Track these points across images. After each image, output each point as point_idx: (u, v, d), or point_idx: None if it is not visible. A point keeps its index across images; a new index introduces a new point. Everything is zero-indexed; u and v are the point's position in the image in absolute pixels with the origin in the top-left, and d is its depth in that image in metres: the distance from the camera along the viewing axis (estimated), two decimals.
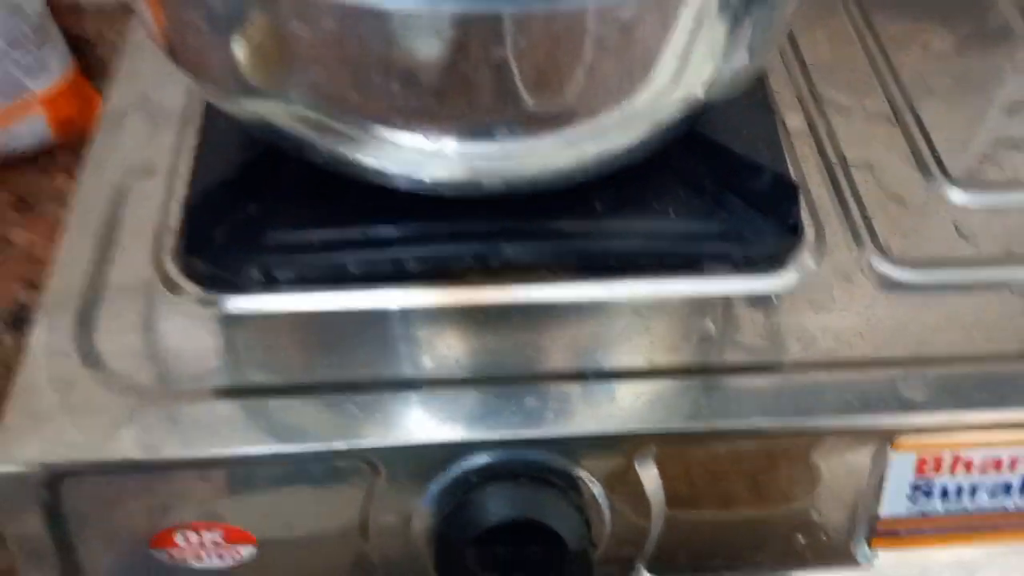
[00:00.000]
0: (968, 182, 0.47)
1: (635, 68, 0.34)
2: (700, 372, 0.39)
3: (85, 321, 0.40)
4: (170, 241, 0.43)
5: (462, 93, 0.33)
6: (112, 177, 0.46)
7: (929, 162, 0.47)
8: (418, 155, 0.35)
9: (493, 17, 0.30)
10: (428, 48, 0.31)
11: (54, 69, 0.62)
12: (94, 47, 0.69)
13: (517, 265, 0.42)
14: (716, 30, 0.34)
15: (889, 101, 0.50)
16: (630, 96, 0.35)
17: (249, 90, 0.36)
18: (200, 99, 0.49)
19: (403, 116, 0.34)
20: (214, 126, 0.46)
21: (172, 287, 0.41)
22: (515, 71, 0.32)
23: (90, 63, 0.68)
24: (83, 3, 0.66)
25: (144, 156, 0.47)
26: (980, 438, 0.39)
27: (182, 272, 0.41)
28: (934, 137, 0.48)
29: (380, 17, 0.30)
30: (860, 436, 0.38)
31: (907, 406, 0.38)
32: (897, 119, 0.49)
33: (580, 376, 0.39)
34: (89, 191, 0.45)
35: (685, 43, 0.34)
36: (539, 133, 0.35)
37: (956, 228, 0.45)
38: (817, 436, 0.38)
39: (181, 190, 0.45)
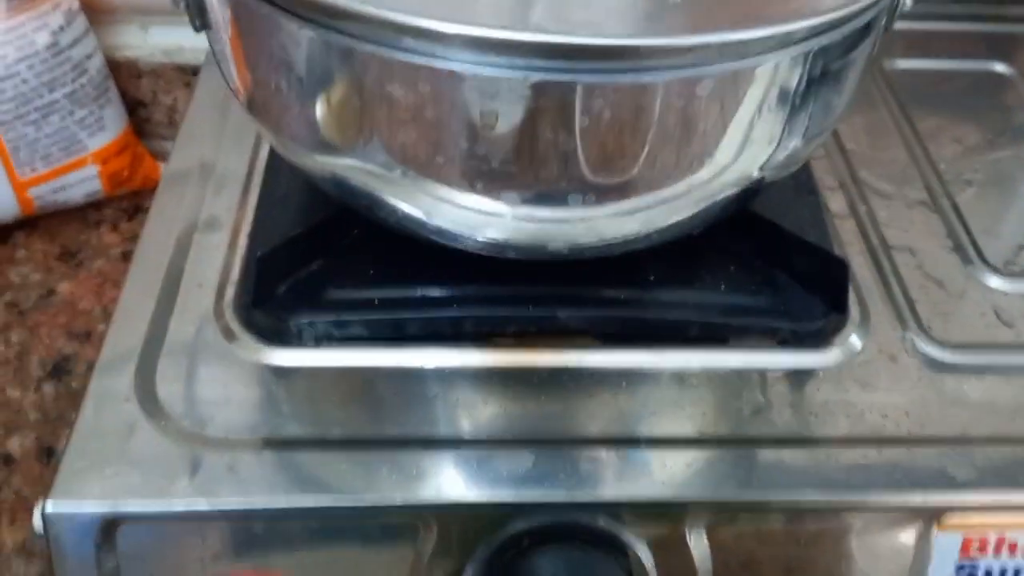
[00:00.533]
0: (1006, 269, 0.48)
1: (698, 146, 0.35)
2: (749, 443, 0.39)
3: (145, 368, 0.41)
4: (231, 294, 0.44)
5: (533, 159, 0.34)
6: (175, 230, 0.47)
7: (968, 248, 0.49)
8: (486, 216, 0.36)
9: (568, 86, 0.32)
10: (503, 113, 0.32)
11: (110, 128, 0.64)
12: (148, 107, 0.71)
13: (570, 330, 0.43)
14: (777, 115, 0.36)
15: (927, 189, 0.52)
16: (691, 172, 0.36)
17: (325, 147, 0.37)
18: (262, 160, 0.50)
19: (475, 178, 0.35)
20: (276, 185, 0.47)
21: (232, 339, 0.42)
22: (586, 141, 0.33)
23: (143, 122, 0.71)
24: (141, 66, 0.68)
25: (207, 211, 0.48)
26: None
27: (243, 325, 0.42)
28: (971, 225, 0.50)
29: (458, 80, 0.31)
30: (906, 514, 0.39)
31: (954, 485, 0.38)
32: (936, 206, 0.51)
33: (631, 442, 0.39)
34: (152, 243, 0.46)
35: (747, 125, 0.35)
36: (602, 202, 0.36)
37: (996, 313, 0.46)
38: (864, 512, 0.39)
39: (242, 245, 0.46)
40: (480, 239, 0.38)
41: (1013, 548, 0.40)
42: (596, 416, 0.40)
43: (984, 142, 0.56)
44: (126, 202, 0.68)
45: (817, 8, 0.32)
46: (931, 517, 0.39)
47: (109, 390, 0.40)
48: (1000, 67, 0.62)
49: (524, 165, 0.34)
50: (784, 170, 0.41)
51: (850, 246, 0.48)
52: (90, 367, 0.56)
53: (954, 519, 0.39)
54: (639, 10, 0.34)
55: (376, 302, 0.42)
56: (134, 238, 0.65)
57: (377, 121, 0.35)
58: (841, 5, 0.32)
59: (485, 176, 0.35)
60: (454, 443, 0.39)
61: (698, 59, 0.31)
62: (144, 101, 0.70)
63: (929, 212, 0.51)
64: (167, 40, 0.68)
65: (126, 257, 0.64)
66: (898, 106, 0.57)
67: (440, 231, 0.38)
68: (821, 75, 0.35)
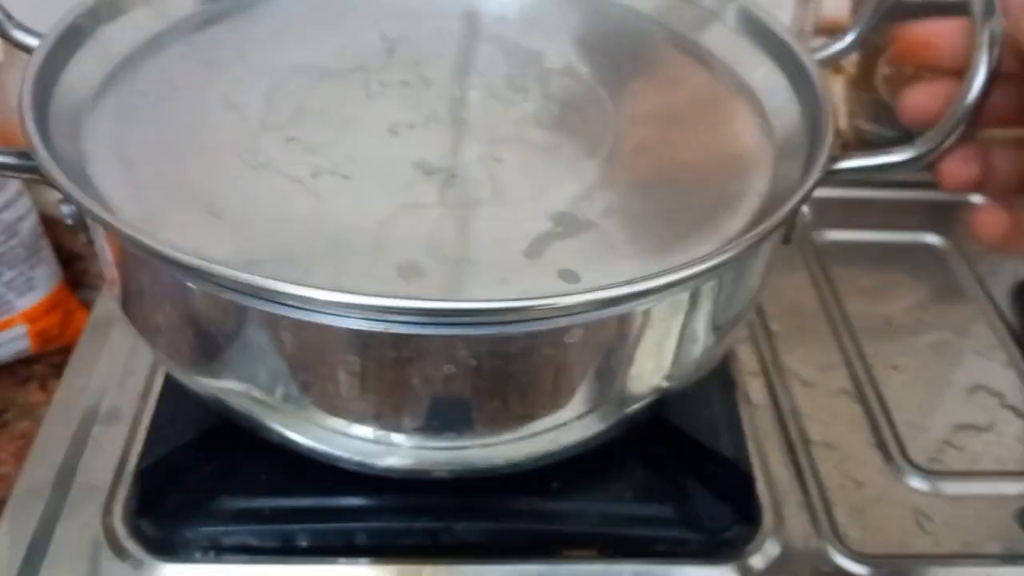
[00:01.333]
0: (928, 468, 0.47)
1: (585, 376, 0.34)
2: None
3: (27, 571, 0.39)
4: (122, 497, 0.42)
5: (419, 397, 0.33)
6: (75, 423, 0.46)
7: (890, 444, 0.48)
8: (368, 445, 0.35)
9: (449, 339, 0.31)
10: (380, 361, 0.32)
11: (41, 287, 0.63)
12: (85, 259, 0.70)
13: (467, 543, 0.41)
14: (668, 332, 0.35)
15: (852, 377, 0.51)
16: (585, 398, 0.35)
17: (202, 370, 0.36)
18: None
19: (354, 414, 0.34)
20: (176, 384, 0.46)
21: (118, 549, 0.40)
22: (473, 380, 0.32)
23: (80, 274, 0.70)
24: None
25: (109, 401, 0.47)
26: None
27: (130, 534, 0.41)
28: (895, 417, 0.49)
29: (330, 332, 0.31)
30: None
31: None
32: (860, 396, 0.50)
33: None
34: (51, 435, 0.45)
35: (630, 350, 0.34)
36: (494, 433, 0.35)
37: (916, 519, 0.44)
38: None
39: (139, 441, 0.45)
40: (364, 463, 0.37)
41: None
42: None
43: (914, 322, 0.55)
44: (56, 357, 0.67)
45: (685, 259, 0.31)
46: None
47: None
48: (932, 238, 0.61)
49: (403, 406, 0.33)
50: (696, 374, 0.40)
51: (768, 441, 0.47)
52: None
53: None
54: (520, 246, 0.34)
55: (266, 513, 0.41)
56: None
57: (250, 360, 0.34)
58: (714, 254, 0.31)
59: (365, 411, 0.34)
60: None
61: (563, 311, 0.30)
62: (81, 254, 0.70)
63: (852, 403, 0.50)
64: None
65: None
66: (826, 282, 0.57)
67: (322, 454, 0.37)
68: (712, 295, 0.35)
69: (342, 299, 0.29)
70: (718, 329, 0.37)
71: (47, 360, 0.67)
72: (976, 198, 0.65)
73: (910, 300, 0.56)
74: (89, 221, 0.36)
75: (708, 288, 0.34)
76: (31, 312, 0.63)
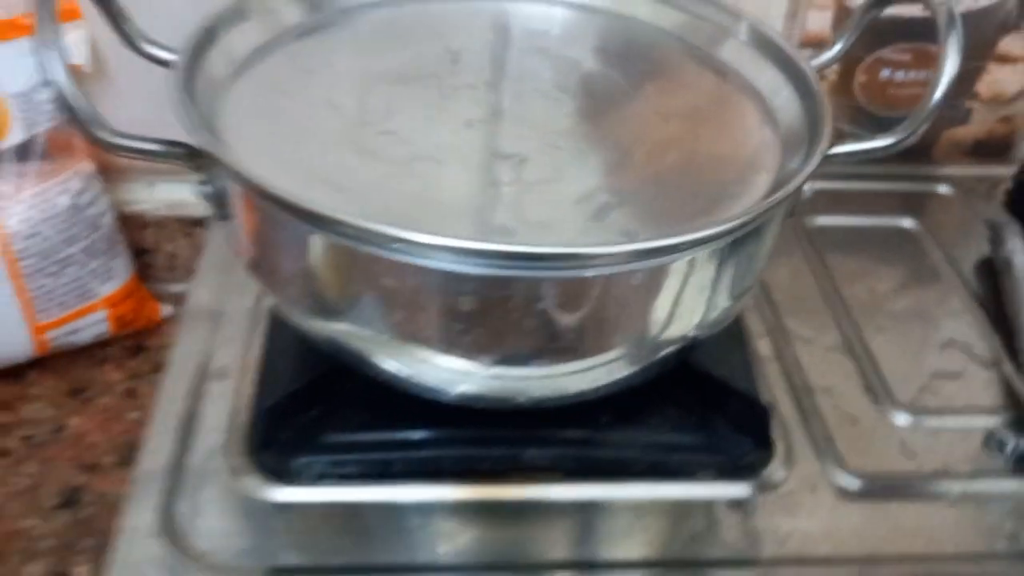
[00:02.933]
0: (910, 407, 0.55)
1: (638, 319, 0.43)
2: (688, 565, 0.46)
3: (168, 506, 0.47)
4: (238, 437, 0.50)
5: (503, 332, 0.41)
6: (189, 378, 0.53)
7: (878, 389, 0.56)
8: (463, 375, 0.43)
9: (533, 281, 0.39)
10: (480, 300, 0.40)
11: (118, 276, 0.71)
12: (151, 254, 0.78)
13: (535, 467, 0.49)
14: (703, 284, 0.43)
15: (844, 336, 0.60)
16: (633, 339, 0.43)
17: (320, 314, 0.44)
18: (263, 310, 0.57)
19: (450, 345, 0.42)
20: (277, 339, 0.54)
21: (240, 478, 0.48)
22: (548, 318, 0.41)
23: (146, 268, 0.77)
24: (147, 218, 0.75)
25: (216, 362, 0.55)
26: None
27: (250, 465, 0.49)
28: (881, 368, 0.58)
29: (434, 275, 0.39)
30: None
31: None
32: (851, 351, 0.59)
33: (589, 566, 0.45)
34: (170, 389, 0.53)
35: (675, 297, 0.43)
36: (561, 363, 0.43)
37: (901, 447, 0.53)
38: None
39: (246, 393, 0.52)
40: (455, 393, 0.45)
41: None
42: (558, 543, 0.47)
43: (893, 291, 0.64)
44: (129, 341, 0.74)
45: (725, 216, 0.40)
46: None
47: (137, 526, 0.46)
48: (907, 222, 0.71)
49: (494, 337, 0.41)
50: (716, 327, 0.48)
51: (776, 387, 0.56)
52: (100, 497, 0.62)
53: None
54: (584, 214, 0.42)
55: (365, 445, 0.49)
56: (136, 375, 0.71)
57: (366, 302, 0.42)
58: (745, 212, 0.40)
59: (460, 344, 0.42)
60: (434, 569, 0.45)
61: (630, 258, 0.39)
62: (148, 248, 0.77)
63: (845, 356, 0.58)
64: (171, 195, 0.76)
65: (130, 393, 0.70)
66: (818, 259, 0.66)
67: (421, 386, 0.45)
68: (736, 255, 0.43)
69: (455, 244, 0.37)
70: (735, 290, 0.45)
71: (121, 343, 0.74)
72: (943, 188, 0.75)
73: (889, 273, 0.66)
74: (234, 196, 0.44)
75: (730, 250, 0.42)
76: (111, 298, 0.70)
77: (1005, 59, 0.72)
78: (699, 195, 0.45)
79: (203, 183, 0.45)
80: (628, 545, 0.47)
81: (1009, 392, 0.57)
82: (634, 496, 0.49)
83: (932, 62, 0.72)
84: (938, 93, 0.45)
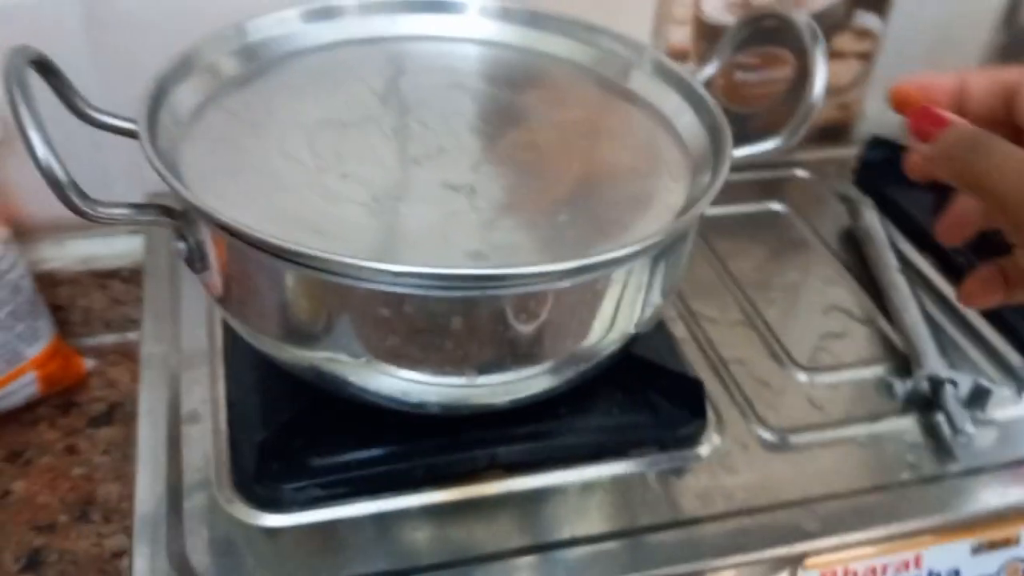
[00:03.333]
0: (810, 366, 0.64)
1: (587, 325, 0.48)
2: (651, 530, 0.52)
3: (174, 547, 0.49)
4: (225, 473, 0.53)
5: (475, 347, 0.46)
6: (162, 426, 0.56)
7: (781, 354, 0.65)
8: (448, 388, 0.48)
9: (496, 299, 0.44)
10: (456, 320, 0.44)
11: (44, 336, 0.71)
12: (66, 310, 0.78)
13: (508, 464, 0.55)
14: (640, 288, 0.49)
15: (743, 311, 0.68)
16: (586, 341, 0.49)
17: (305, 344, 0.47)
18: (219, 349, 0.60)
19: (442, 362, 0.47)
20: (241, 376, 0.57)
21: (235, 509, 0.51)
22: (515, 329, 0.46)
23: (63, 324, 0.77)
24: (58, 276, 0.75)
25: (186, 406, 0.57)
26: (860, 553, 0.54)
27: (242, 497, 0.52)
28: (779, 335, 0.66)
29: (418, 300, 0.43)
30: (779, 562, 0.52)
31: (808, 536, 0.53)
32: (751, 324, 0.67)
33: (552, 546, 0.51)
34: (148, 439, 0.55)
35: (618, 305, 0.48)
36: (532, 366, 0.49)
37: (809, 402, 0.62)
38: (749, 566, 0.52)
39: (223, 429, 0.55)
40: (442, 403, 0.50)
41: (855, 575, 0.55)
42: (535, 528, 0.52)
43: (775, 266, 0.73)
44: (57, 399, 0.74)
45: (652, 229, 0.47)
46: (797, 562, 0.53)
47: (152, 568, 0.48)
48: (776, 205, 0.80)
49: (467, 353, 0.46)
50: (652, 323, 0.54)
51: (696, 363, 0.63)
52: (63, 555, 0.63)
53: (811, 561, 0.53)
54: (542, 233, 0.48)
55: (352, 464, 0.53)
56: (73, 432, 0.72)
57: (362, 332, 0.45)
58: (679, 222, 0.46)
59: (447, 360, 0.46)
60: (417, 570, 0.50)
61: (583, 271, 0.45)
62: (62, 305, 0.77)
63: (748, 329, 0.67)
64: (82, 251, 0.76)
65: (70, 450, 0.71)
66: (708, 247, 0.74)
67: (405, 403, 0.49)
68: (667, 258, 0.50)
69: (452, 272, 0.42)
70: (665, 289, 0.51)
71: (49, 403, 0.74)
72: (800, 172, 0.85)
73: (769, 250, 0.75)
74: (216, 248, 0.47)
75: (662, 255, 0.49)
76: (39, 359, 0.71)
77: (838, 55, 0.83)
78: (626, 206, 0.52)
79: (179, 239, 0.48)
80: (584, 522, 0.53)
81: (887, 344, 0.67)
82: (592, 477, 0.55)
83: (777, 63, 0.82)
84: (814, 97, 0.53)
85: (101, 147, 0.71)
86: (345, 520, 0.52)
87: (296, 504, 0.52)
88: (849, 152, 0.86)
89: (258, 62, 0.59)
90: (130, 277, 0.77)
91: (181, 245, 0.48)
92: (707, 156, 0.54)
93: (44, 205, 0.74)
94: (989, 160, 0.37)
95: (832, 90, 0.85)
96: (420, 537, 0.51)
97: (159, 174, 0.45)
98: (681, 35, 0.78)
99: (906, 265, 0.73)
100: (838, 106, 0.86)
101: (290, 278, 0.44)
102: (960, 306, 0.69)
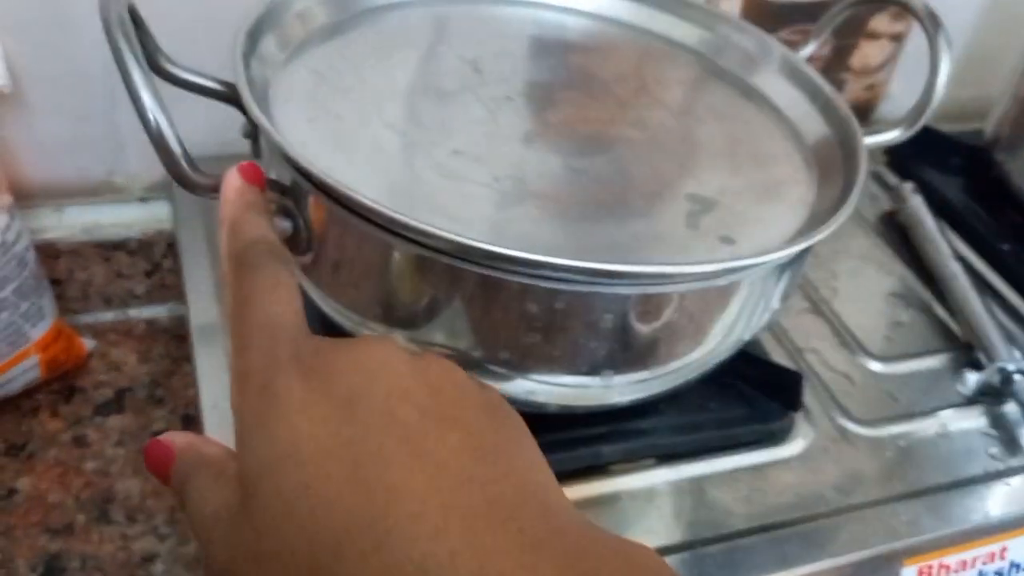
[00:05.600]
0: (881, 356, 0.63)
1: (715, 325, 0.45)
2: (769, 529, 0.51)
3: None
4: None
5: (617, 346, 0.43)
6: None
7: (852, 344, 0.64)
8: (578, 388, 0.45)
9: (649, 297, 0.41)
10: (608, 318, 0.41)
11: (48, 316, 0.64)
12: (62, 284, 0.70)
13: (613, 461, 0.52)
14: (768, 299, 0.47)
15: (809, 299, 0.66)
16: (714, 341, 0.46)
17: (398, 326, 0.43)
18: None
19: (573, 362, 0.43)
20: None
21: None
22: (655, 330, 0.43)
23: (57, 299, 0.70)
24: (59, 246, 0.68)
25: None
26: (952, 548, 0.54)
27: None
28: (848, 323, 0.65)
29: (569, 296, 0.40)
30: (880, 560, 0.51)
31: (907, 533, 0.52)
32: (819, 312, 0.66)
33: (695, 543, 0.49)
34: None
35: (742, 305, 0.46)
36: (654, 367, 0.46)
37: (885, 392, 0.61)
38: (859, 563, 0.51)
39: None
40: (560, 403, 0.46)
41: (948, 568, 0.54)
42: (655, 527, 0.50)
43: (831, 254, 0.72)
44: (57, 384, 0.67)
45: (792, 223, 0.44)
46: (895, 559, 0.52)
47: None
48: None
49: (601, 354, 0.43)
50: (769, 328, 0.52)
51: (775, 352, 0.61)
52: (86, 561, 0.57)
53: (910, 559, 0.52)
54: (679, 223, 0.45)
55: None
56: (79, 420, 0.65)
57: (451, 313, 0.42)
58: (819, 230, 0.44)
59: (580, 360, 0.43)
60: None
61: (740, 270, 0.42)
62: (60, 279, 0.70)
63: (816, 317, 0.65)
64: (84, 218, 0.69)
65: (79, 442, 0.64)
66: None
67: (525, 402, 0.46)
68: (792, 266, 0.47)
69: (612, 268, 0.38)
70: (786, 295, 0.49)
71: (47, 388, 0.67)
72: None
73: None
74: (333, 229, 0.42)
75: (791, 263, 0.46)
76: (42, 341, 0.64)
77: (872, 35, 0.82)
78: (754, 196, 0.49)
79: (284, 217, 0.43)
80: (712, 517, 0.50)
81: (947, 332, 0.66)
82: (699, 472, 0.53)
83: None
84: (939, 89, 0.51)
85: (117, 105, 0.63)
86: None
87: None
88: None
89: (339, 16, 0.53)
90: (137, 249, 0.70)
91: (286, 223, 0.43)
92: (828, 150, 0.52)
93: (44, 167, 0.67)
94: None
95: (863, 71, 0.84)
96: None
97: (274, 143, 0.40)
98: (729, 8, 0.75)
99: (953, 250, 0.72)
100: (866, 87, 0.85)
101: (420, 263, 0.40)
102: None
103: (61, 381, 0.67)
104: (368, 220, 0.39)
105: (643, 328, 0.42)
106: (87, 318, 0.72)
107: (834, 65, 0.82)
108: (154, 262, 0.71)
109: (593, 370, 0.44)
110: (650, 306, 0.41)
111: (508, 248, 0.37)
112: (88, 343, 0.69)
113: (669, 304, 0.42)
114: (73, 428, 0.65)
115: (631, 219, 0.45)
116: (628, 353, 0.43)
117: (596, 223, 0.44)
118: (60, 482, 0.62)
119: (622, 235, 0.44)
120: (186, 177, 0.38)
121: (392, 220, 0.38)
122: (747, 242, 0.45)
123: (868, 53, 0.82)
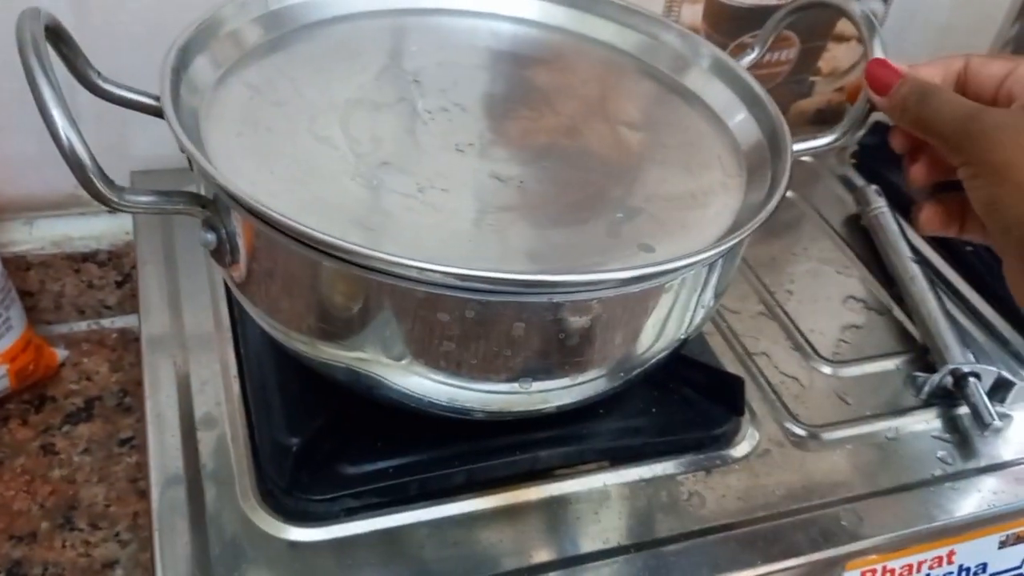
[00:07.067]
0: (834, 359, 0.63)
1: (643, 329, 0.45)
2: (703, 534, 0.51)
3: (200, 563, 0.45)
4: (248, 484, 0.49)
5: (533, 353, 0.43)
6: (175, 429, 0.51)
7: (805, 347, 0.64)
8: (499, 394, 0.45)
9: (560, 305, 0.41)
10: (519, 326, 0.41)
11: (16, 327, 0.65)
12: (35, 296, 0.72)
13: (550, 467, 0.52)
14: (695, 291, 0.47)
15: (764, 303, 0.67)
16: (642, 345, 0.47)
17: (339, 343, 0.44)
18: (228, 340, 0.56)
19: (489, 369, 0.44)
20: (258, 378, 0.53)
21: (264, 523, 0.47)
22: (573, 337, 0.43)
23: (30, 311, 0.72)
24: (29, 259, 0.69)
25: (199, 407, 0.53)
26: (898, 552, 0.54)
27: (270, 510, 0.48)
28: (801, 326, 0.65)
29: (483, 306, 0.40)
30: (823, 564, 0.51)
31: (851, 538, 0.52)
32: (773, 315, 0.66)
33: (632, 547, 0.49)
34: (161, 444, 0.51)
35: (671, 305, 0.46)
36: (585, 372, 0.46)
37: (837, 396, 0.61)
38: (793, 570, 0.51)
39: (242, 434, 0.51)
40: (484, 408, 0.47)
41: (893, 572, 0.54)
42: (570, 535, 0.50)
43: (790, 256, 0.72)
44: (28, 394, 0.69)
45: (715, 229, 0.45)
46: (838, 564, 0.52)
47: None
48: (789, 194, 0.79)
49: (525, 357, 0.43)
50: (702, 326, 0.52)
51: (724, 357, 0.61)
52: (48, 568, 0.58)
53: (852, 562, 0.52)
54: (599, 231, 0.45)
55: (387, 472, 0.49)
56: (48, 429, 0.67)
57: (380, 324, 0.42)
58: (746, 226, 0.44)
59: (504, 367, 0.43)
60: None
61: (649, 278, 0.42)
62: (31, 291, 0.71)
63: (769, 320, 0.65)
64: (54, 231, 0.70)
65: (47, 450, 0.66)
66: None
67: (453, 409, 0.46)
68: (723, 262, 0.47)
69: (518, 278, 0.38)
70: (717, 291, 0.49)
71: (18, 398, 0.68)
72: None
73: (783, 240, 0.73)
74: (251, 241, 0.43)
75: (722, 259, 0.46)
76: (10, 351, 0.65)
77: (840, 38, 0.81)
78: (683, 204, 0.49)
79: (208, 230, 0.44)
80: (638, 525, 0.51)
81: (905, 334, 0.66)
82: (639, 476, 0.53)
83: (783, 44, 0.80)
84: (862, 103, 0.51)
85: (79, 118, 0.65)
86: (381, 531, 0.49)
87: (329, 516, 0.48)
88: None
89: (279, 31, 0.54)
90: (107, 260, 0.72)
91: (210, 236, 0.44)
92: (759, 152, 0.52)
93: (13, 182, 0.69)
94: (932, 105, 0.45)
95: (832, 73, 0.84)
96: (457, 547, 0.48)
97: (192, 158, 0.41)
98: (693, 14, 0.76)
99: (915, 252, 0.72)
100: (836, 89, 0.85)
101: (338, 277, 0.41)
102: (972, 299, 0.70)
103: (33, 390, 0.69)
104: (282, 233, 0.40)
105: (554, 336, 0.42)
106: (61, 328, 0.74)
107: (802, 68, 0.82)
108: (124, 273, 0.73)
109: (511, 378, 0.44)
110: (559, 315, 0.42)
111: (411, 260, 0.38)
112: (60, 353, 0.71)
113: (580, 313, 0.42)
114: (42, 436, 0.67)
115: (553, 228, 0.46)
116: (545, 361, 0.44)
117: (516, 233, 0.45)
118: (26, 490, 0.63)
119: (540, 244, 0.45)
120: (99, 193, 0.39)
121: (300, 233, 0.38)
122: (666, 249, 0.45)
123: (837, 55, 0.82)
